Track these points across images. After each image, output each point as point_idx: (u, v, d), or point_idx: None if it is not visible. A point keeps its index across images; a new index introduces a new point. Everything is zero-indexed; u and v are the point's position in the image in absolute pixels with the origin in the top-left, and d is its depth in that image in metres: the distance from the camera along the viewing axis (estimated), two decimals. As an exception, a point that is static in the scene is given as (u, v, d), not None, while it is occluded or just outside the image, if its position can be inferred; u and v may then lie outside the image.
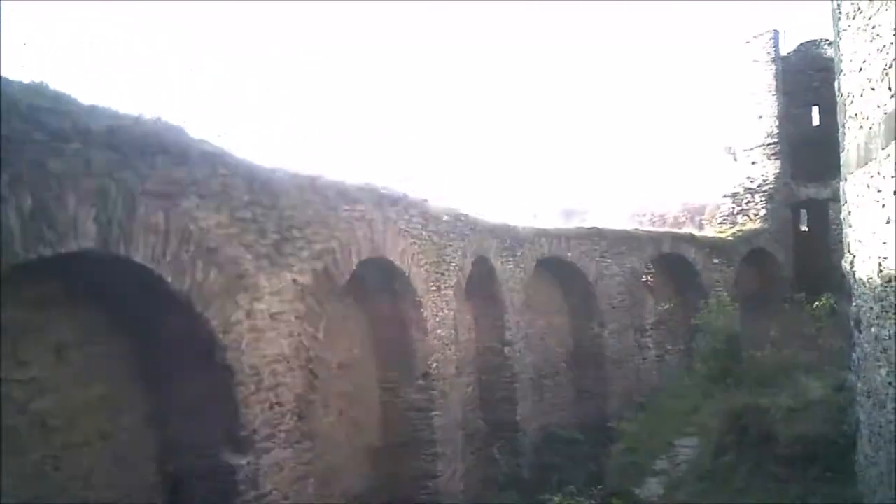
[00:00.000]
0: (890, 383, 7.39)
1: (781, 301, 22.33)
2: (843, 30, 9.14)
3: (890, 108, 6.90)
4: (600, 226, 20.25)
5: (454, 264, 12.56)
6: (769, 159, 26.50)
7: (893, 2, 6.64)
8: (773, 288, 24.82)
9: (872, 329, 8.23)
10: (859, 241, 8.86)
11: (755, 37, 27.01)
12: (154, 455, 6.97)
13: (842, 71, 9.50)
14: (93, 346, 6.33)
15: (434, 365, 11.50)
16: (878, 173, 7.50)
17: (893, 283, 7.21)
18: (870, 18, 7.60)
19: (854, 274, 9.32)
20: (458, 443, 12.39)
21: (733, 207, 26.54)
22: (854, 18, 8.44)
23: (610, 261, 20.10)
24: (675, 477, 10.93)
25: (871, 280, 8.25)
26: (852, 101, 8.98)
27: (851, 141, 9.03)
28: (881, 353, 7.73)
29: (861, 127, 8.47)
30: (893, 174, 6.89)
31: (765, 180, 26.24)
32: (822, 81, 27.61)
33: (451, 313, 12.40)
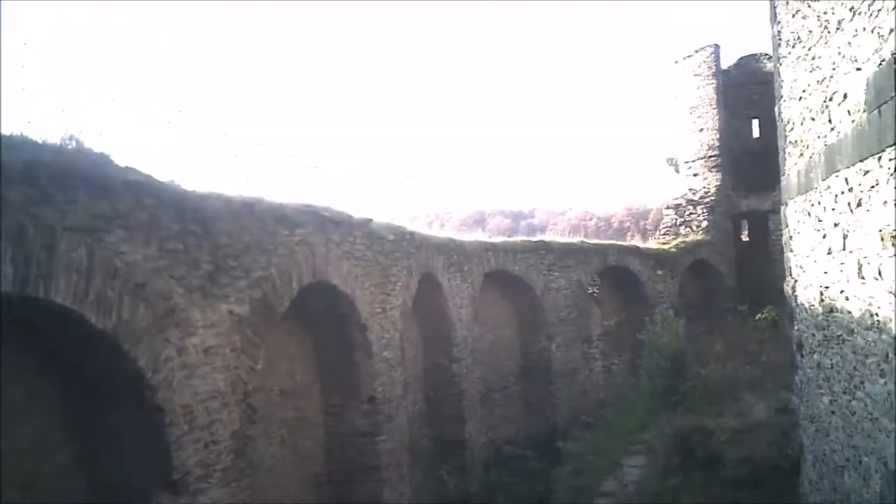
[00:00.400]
0: (833, 412, 7.43)
1: (725, 312, 22.73)
2: (783, 56, 9.23)
3: (830, 141, 6.95)
4: (547, 239, 20.29)
5: (400, 284, 12.33)
6: (710, 171, 26.99)
7: (832, 34, 6.68)
8: (716, 298, 25.26)
9: (815, 356, 8.29)
10: (800, 267, 8.94)
11: (696, 51, 27.50)
12: (84, 499, 6.59)
13: (782, 97, 9.61)
14: (16, 389, 5.93)
15: (380, 389, 11.24)
16: (819, 203, 7.55)
17: (834, 314, 7.26)
18: (809, 49, 7.66)
19: (796, 298, 9.41)
20: (405, 466, 12.15)
21: (676, 219, 26.95)
22: (794, 47, 8.51)
23: (557, 274, 20.15)
24: (622, 499, 10.89)
25: (812, 307, 8.33)
26: (792, 128, 9.07)
27: (792, 167, 9.12)
28: (823, 381, 7.79)
29: (801, 154, 8.55)
30: (833, 206, 6.93)
31: (706, 192, 26.70)
32: (761, 94, 28.24)
33: (398, 334, 12.16)
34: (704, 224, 26.13)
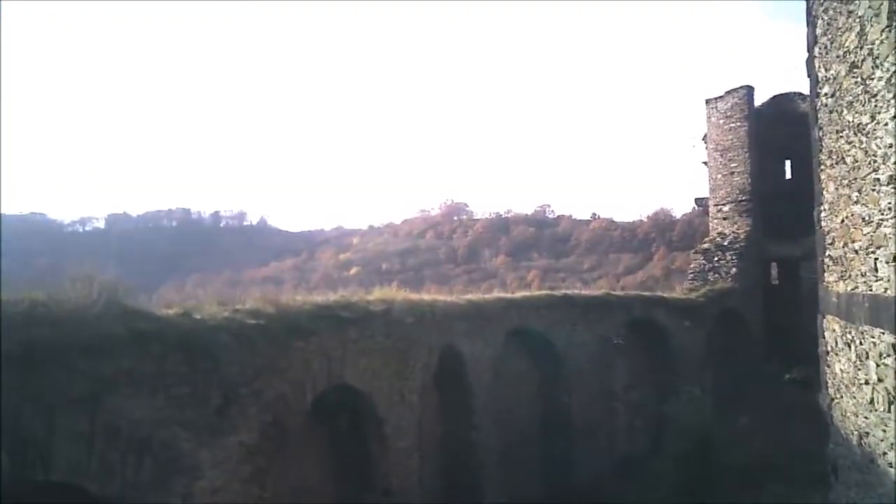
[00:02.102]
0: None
1: (752, 369, 22.15)
2: (824, 165, 8.80)
3: (875, 289, 6.52)
4: (571, 293, 19.87)
5: (419, 364, 12.04)
6: (741, 216, 26.39)
7: (885, 187, 6.25)
8: (743, 348, 24.65)
9: (851, 492, 7.85)
10: (838, 391, 8.49)
11: (728, 92, 26.95)
12: None
13: (821, 204, 9.17)
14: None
15: (395, 481, 10.94)
16: (860, 343, 7.12)
17: (875, 465, 6.83)
18: (854, 179, 7.23)
19: (832, 417, 8.96)
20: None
21: (704, 264, 26.36)
22: (836, 164, 8.08)
23: (580, 328, 19.70)
24: None
25: (849, 439, 7.88)
26: (832, 243, 8.63)
27: (831, 284, 8.67)
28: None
29: (842, 277, 8.12)
30: (877, 361, 6.50)
31: (736, 237, 26.10)
32: (795, 135, 27.51)
33: (415, 418, 11.85)
34: (733, 271, 25.50)
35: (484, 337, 15.96)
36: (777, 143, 27.47)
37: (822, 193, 9.14)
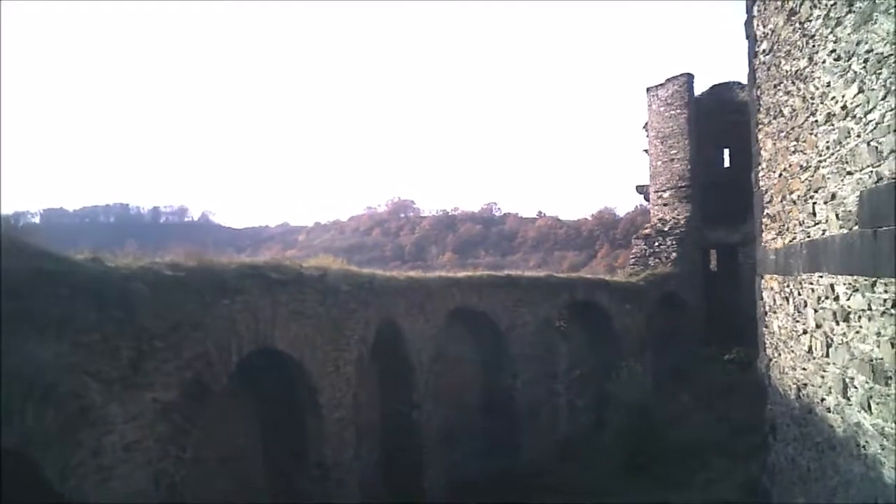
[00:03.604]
0: (807, 520, 6.92)
1: (693, 349, 22.37)
2: (763, 124, 8.75)
3: (814, 235, 6.45)
4: (514, 274, 19.71)
5: (356, 337, 11.66)
6: (681, 202, 26.69)
7: (821, 126, 6.17)
8: (683, 331, 24.93)
9: (789, 448, 7.80)
10: (776, 350, 8.45)
11: (669, 80, 27.21)
12: None
13: (759, 165, 9.13)
14: None
15: (330, 452, 10.55)
16: (798, 294, 7.05)
17: (813, 416, 6.76)
18: (793, 129, 7.17)
19: (769, 378, 8.94)
20: (356, 530, 11.45)
21: (645, 249, 26.57)
22: (775, 118, 8.02)
23: (524, 309, 19.58)
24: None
25: (787, 395, 7.84)
26: (770, 201, 8.59)
27: (769, 242, 8.63)
28: (799, 480, 7.28)
29: (780, 233, 8.07)
30: (815, 307, 6.42)
31: (676, 223, 26.39)
32: (734, 124, 27.92)
33: (351, 391, 11.47)
34: (674, 256, 25.76)
35: (425, 314, 15.67)
36: (716, 133, 27.88)
37: (759, 154, 9.10)
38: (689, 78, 26.67)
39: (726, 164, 28.35)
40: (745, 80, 28.45)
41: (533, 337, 19.87)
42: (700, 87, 27.93)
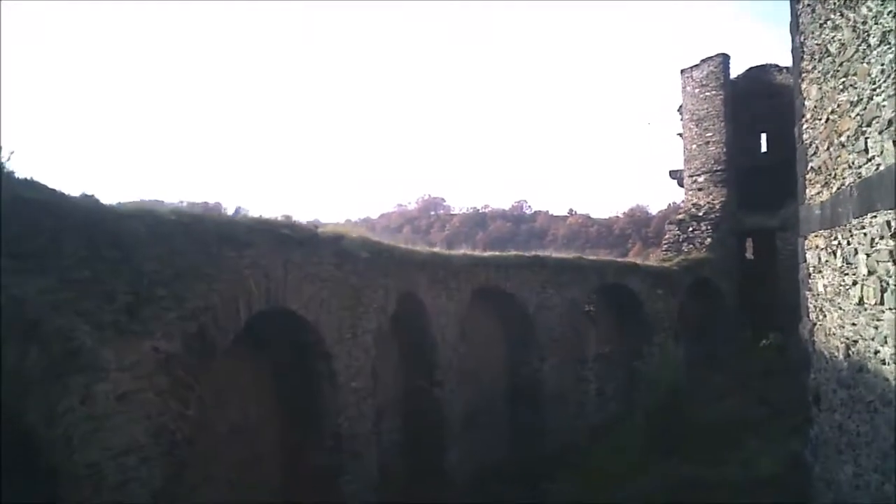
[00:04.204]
0: (858, 487, 6.34)
1: (727, 337, 21.59)
2: (807, 71, 8.13)
3: (866, 173, 5.86)
4: (541, 254, 19.16)
5: (375, 306, 11.24)
6: (716, 186, 25.86)
7: (874, 49, 5.58)
8: (717, 320, 24.13)
9: (836, 415, 7.20)
10: (821, 311, 7.84)
11: (704, 60, 26.39)
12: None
13: (803, 116, 8.51)
14: None
15: (346, 424, 10.14)
16: (848, 243, 6.46)
17: (864, 374, 6.17)
18: (841, 64, 6.57)
19: (814, 343, 8.32)
20: (373, 508, 11.03)
21: (679, 235, 25.80)
22: (820, 61, 7.41)
23: (551, 291, 19.01)
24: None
25: (834, 358, 7.25)
26: (815, 152, 7.97)
27: (813, 197, 8.02)
28: (847, 446, 6.69)
29: (826, 184, 7.47)
30: (868, 251, 5.83)
31: (711, 208, 25.58)
32: (771, 108, 27.06)
33: (370, 361, 11.06)
34: (708, 241, 24.97)
35: (448, 291, 15.20)
36: (752, 117, 26.99)
37: (802, 105, 8.48)
38: (725, 58, 25.83)
39: (763, 149, 27.45)
40: (781, 63, 27.69)
41: (561, 320, 19.30)
42: (735, 72, 27.04)
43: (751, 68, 27.91)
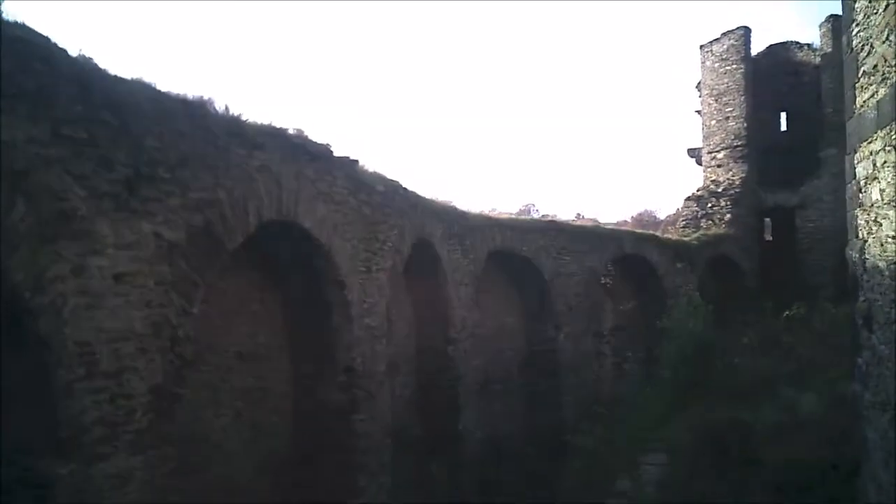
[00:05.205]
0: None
1: (748, 311, 20.96)
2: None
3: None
4: (559, 219, 18.58)
5: (389, 244, 10.70)
6: (736, 162, 25.22)
7: None
8: (736, 298, 23.45)
9: (894, 328, 6.60)
10: (876, 221, 7.26)
11: (724, 34, 25.76)
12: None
13: (853, 21, 7.91)
14: None
15: (359, 359, 9.60)
16: (917, 125, 5.87)
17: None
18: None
19: (864, 262, 7.72)
20: (387, 454, 10.50)
21: (697, 211, 25.14)
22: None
23: (568, 258, 18.44)
24: (640, 500, 9.19)
25: (888, 268, 6.66)
26: (870, 52, 7.39)
27: (867, 102, 7.44)
28: (911, 353, 6.09)
29: (884, 80, 6.89)
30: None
31: (731, 184, 24.94)
32: (790, 86, 26.57)
33: (384, 301, 10.53)
34: (728, 217, 24.31)
35: (464, 248, 14.68)
36: (772, 95, 26.43)
37: (851, 9, 7.90)
38: (747, 31, 25.20)
39: (783, 128, 26.87)
40: (803, 40, 27.08)
41: (578, 289, 18.73)
42: (755, 50, 26.43)
43: (771, 45, 27.33)
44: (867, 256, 7.65)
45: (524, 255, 17.14)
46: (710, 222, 24.52)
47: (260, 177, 7.32)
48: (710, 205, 24.86)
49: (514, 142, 63.75)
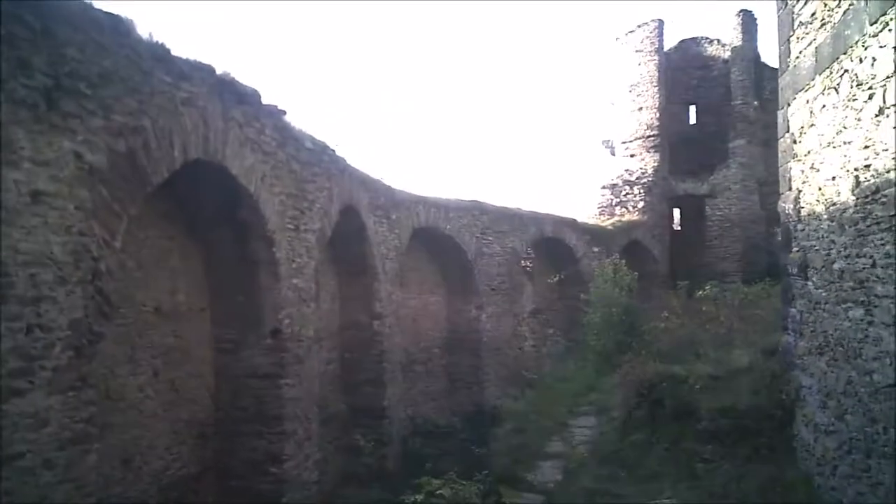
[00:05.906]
0: (871, 322, 5.83)
1: (660, 295, 21.47)
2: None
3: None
4: (481, 200, 18.49)
5: (318, 206, 10.27)
6: (648, 152, 25.89)
7: None
8: (648, 282, 24.02)
9: (835, 265, 6.72)
10: (813, 168, 7.39)
11: (639, 26, 26.40)
12: None
13: (789, -25, 8.07)
14: None
15: (287, 321, 9.12)
16: (862, 59, 5.96)
17: (880, 195, 5.66)
18: None
19: (799, 212, 7.88)
20: (314, 423, 10.04)
21: (612, 199, 25.68)
22: None
23: (491, 238, 18.43)
24: (573, 460, 9.11)
25: (834, 205, 6.76)
26: (806, 2, 7.55)
27: (805, 49, 7.58)
28: (856, 288, 6.18)
29: (823, 24, 7.02)
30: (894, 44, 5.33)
31: (643, 173, 25.59)
32: (700, 80, 27.60)
33: (313, 263, 10.08)
34: (641, 205, 24.98)
35: (390, 222, 14.35)
36: (682, 88, 27.42)
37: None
38: (660, 23, 25.92)
39: (692, 121, 27.82)
40: (713, 35, 28.12)
41: (500, 269, 18.73)
42: (667, 44, 27.22)
43: (682, 40, 28.26)
44: (802, 205, 7.81)
45: (448, 234, 16.97)
46: (624, 209, 25.09)
47: (186, 111, 6.78)
48: (623, 193, 25.44)
49: (441, 129, 63.75)
